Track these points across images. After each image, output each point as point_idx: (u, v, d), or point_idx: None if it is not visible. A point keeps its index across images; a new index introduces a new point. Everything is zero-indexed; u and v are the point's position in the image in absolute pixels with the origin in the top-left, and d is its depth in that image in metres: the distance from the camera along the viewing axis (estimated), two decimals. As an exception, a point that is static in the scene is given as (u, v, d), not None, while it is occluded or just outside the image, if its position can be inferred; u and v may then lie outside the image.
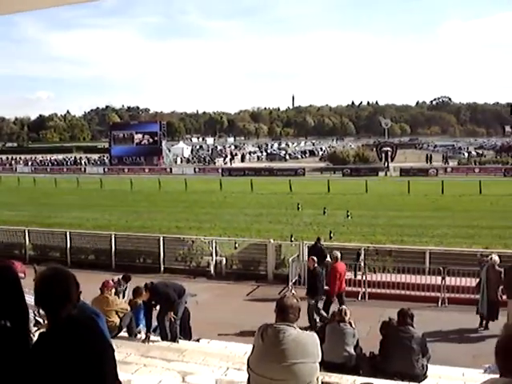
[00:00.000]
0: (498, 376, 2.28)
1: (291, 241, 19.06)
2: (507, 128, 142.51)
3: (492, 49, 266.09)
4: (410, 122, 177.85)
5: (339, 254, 13.15)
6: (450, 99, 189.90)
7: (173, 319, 9.64)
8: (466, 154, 79.46)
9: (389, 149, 66.25)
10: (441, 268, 14.36)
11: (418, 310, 11.70)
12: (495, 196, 34.74)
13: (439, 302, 14.14)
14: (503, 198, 33.90)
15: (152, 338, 9.49)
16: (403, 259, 15.99)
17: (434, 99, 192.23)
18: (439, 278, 14.33)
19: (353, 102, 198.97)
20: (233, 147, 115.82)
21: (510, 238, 21.42)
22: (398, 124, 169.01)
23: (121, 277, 12.69)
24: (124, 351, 7.92)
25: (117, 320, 9.57)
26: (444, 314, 13.35)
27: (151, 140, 78.41)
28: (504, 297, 12.11)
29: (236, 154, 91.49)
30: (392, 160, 64.90)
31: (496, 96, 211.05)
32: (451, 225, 24.94)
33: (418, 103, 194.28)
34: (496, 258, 12.42)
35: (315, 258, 12.86)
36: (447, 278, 14.28)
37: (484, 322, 12.26)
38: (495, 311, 12.05)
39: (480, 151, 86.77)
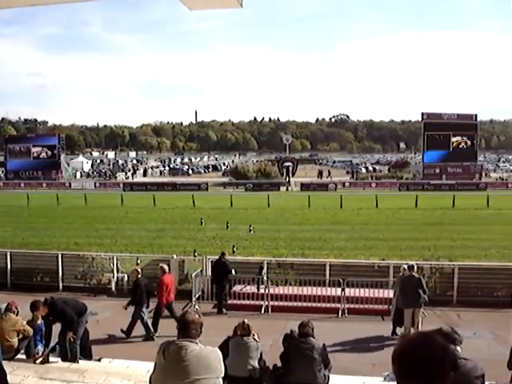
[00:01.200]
0: (395, 383, 2.32)
1: (194, 256, 18.86)
2: (401, 144, 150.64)
3: (387, 68, 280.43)
4: (310, 138, 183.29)
5: (167, 267, 13.57)
6: (348, 116, 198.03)
7: (72, 339, 9.24)
8: (364, 170, 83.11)
9: (290, 164, 67.86)
10: (340, 280, 14.75)
11: (320, 321, 11.95)
12: (391, 209, 36.39)
13: (339, 313, 14.49)
14: (398, 212, 35.61)
15: (51, 358, 9.02)
16: (305, 272, 16.31)
17: (333, 116, 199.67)
18: (339, 290, 14.71)
19: (255, 118, 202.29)
20: (135, 161, 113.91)
21: (405, 249, 22.45)
22: (298, 140, 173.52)
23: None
24: (21, 373, 7.47)
25: (16, 341, 9.01)
26: (344, 325, 13.65)
27: (49, 153, 74.97)
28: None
29: (138, 169, 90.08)
30: (293, 175, 66.50)
31: (391, 114, 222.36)
32: (350, 237, 25.80)
33: (317, 120, 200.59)
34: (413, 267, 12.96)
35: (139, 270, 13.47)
36: (347, 289, 14.68)
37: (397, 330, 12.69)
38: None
39: (376, 167, 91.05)
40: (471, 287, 15.52)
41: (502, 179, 66.95)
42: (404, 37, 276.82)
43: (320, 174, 73.12)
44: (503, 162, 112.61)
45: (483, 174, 69.93)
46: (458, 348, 4.39)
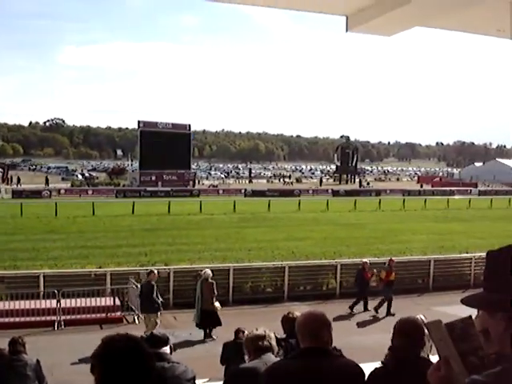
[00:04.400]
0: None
1: None
2: (118, 151, 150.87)
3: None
4: (23, 142, 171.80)
5: None
6: (63, 121, 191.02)
7: None
8: (80, 176, 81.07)
9: (0, 170, 62.75)
10: (56, 291, 14.27)
11: (35, 335, 11.43)
12: (108, 216, 36.22)
13: (56, 325, 14.00)
14: (115, 218, 35.63)
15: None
16: (17, 285, 15.36)
17: (48, 120, 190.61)
18: (55, 301, 14.21)
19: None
20: None
21: (122, 256, 22.59)
22: (10, 144, 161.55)
23: None
24: None
25: None
26: (61, 337, 13.28)
27: None
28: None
29: None
30: (3, 181, 61.57)
31: (108, 121, 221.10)
32: (66, 246, 24.96)
33: (30, 124, 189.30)
34: (209, 272, 13.92)
35: None
36: (62, 300, 14.25)
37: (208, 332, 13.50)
38: (214, 320, 13.34)
39: (93, 173, 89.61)
40: (187, 290, 16.24)
41: (214, 186, 72.10)
42: (121, 45, 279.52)
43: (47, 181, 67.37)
44: (214, 170, 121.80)
45: (196, 182, 74.35)
46: (167, 349, 4.65)
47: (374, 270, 16.82)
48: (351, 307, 16.20)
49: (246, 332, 5.57)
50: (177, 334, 13.02)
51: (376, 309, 16.02)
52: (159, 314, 13.51)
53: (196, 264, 19.43)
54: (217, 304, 13.63)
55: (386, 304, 15.93)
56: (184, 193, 57.57)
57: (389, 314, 15.62)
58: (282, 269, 18.01)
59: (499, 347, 1.64)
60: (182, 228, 31.73)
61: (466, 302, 1.71)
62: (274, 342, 4.24)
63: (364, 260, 17.25)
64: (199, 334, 13.70)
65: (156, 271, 14.12)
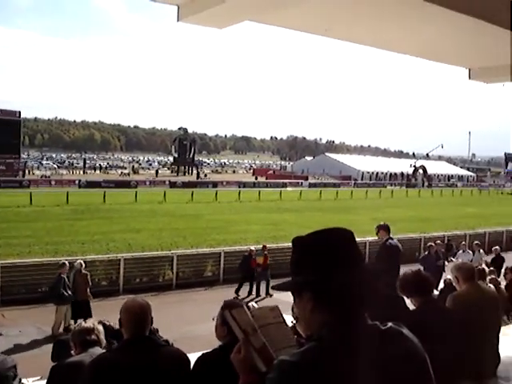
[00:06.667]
0: None
1: None
2: None
3: None
4: None
5: None
6: None
7: None
8: None
9: None
10: None
11: None
12: None
13: None
14: None
15: None
16: None
17: None
18: None
19: None
20: None
21: None
22: None
23: None
24: None
25: None
26: None
27: None
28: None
29: None
30: None
31: None
32: None
33: None
34: (81, 262, 14.08)
35: None
36: None
37: None
38: (86, 311, 12.80)
39: None
40: (15, 285, 15.55)
41: (46, 177, 68.13)
42: None
43: None
44: (46, 159, 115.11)
45: (27, 172, 69.89)
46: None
47: (257, 257, 17.72)
48: (236, 291, 17.04)
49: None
50: (5, 332, 12.47)
51: (237, 291, 17.07)
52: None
53: (26, 258, 18.38)
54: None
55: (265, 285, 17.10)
56: (13, 183, 53.72)
57: (268, 294, 16.84)
58: (117, 261, 17.57)
59: (307, 328, 1.73)
60: (11, 221, 29.54)
61: (277, 287, 1.80)
62: (102, 336, 4.10)
63: (251, 247, 18.30)
64: (30, 331, 13.09)
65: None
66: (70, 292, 13.30)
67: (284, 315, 1.82)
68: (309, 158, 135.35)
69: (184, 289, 17.72)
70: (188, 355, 3.40)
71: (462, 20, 3.91)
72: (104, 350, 3.87)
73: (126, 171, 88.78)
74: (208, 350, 3.43)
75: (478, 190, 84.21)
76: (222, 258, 19.26)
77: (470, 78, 6.13)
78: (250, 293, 17.25)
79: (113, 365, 3.08)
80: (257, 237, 26.09)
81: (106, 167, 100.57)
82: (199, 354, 3.43)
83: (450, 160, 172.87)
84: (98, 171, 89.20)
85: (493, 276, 10.50)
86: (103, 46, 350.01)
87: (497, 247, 19.54)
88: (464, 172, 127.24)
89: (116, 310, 5.73)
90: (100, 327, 4.18)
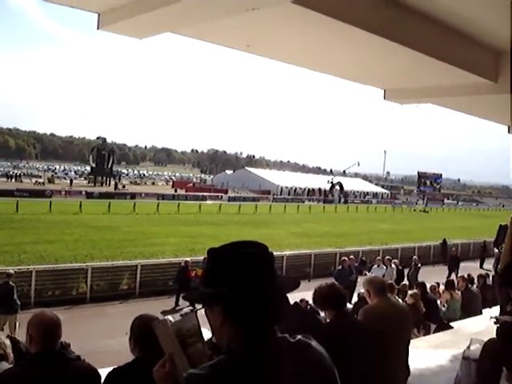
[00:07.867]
0: None
1: None
2: None
3: None
4: None
5: None
6: None
7: None
8: None
9: None
10: None
11: None
12: None
13: None
14: None
15: None
16: None
17: None
18: None
19: None
20: None
21: None
22: None
23: None
24: None
25: None
26: None
27: None
28: None
29: None
30: None
31: None
32: None
33: None
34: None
35: None
36: None
37: None
38: None
39: None
40: None
41: None
42: None
43: None
44: None
45: None
46: None
47: (196, 268, 17.79)
48: (176, 303, 17.06)
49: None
50: None
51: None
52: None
53: None
54: None
55: None
56: None
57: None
58: (28, 273, 17.00)
59: (218, 340, 1.76)
60: None
61: (185, 297, 1.87)
62: (9, 350, 4.01)
63: (186, 259, 18.86)
64: None
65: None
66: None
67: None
68: (229, 172, 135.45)
69: (98, 302, 17.36)
70: (99, 370, 3.35)
71: (375, 41, 4.03)
72: (11, 365, 3.70)
73: (40, 180, 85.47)
74: (120, 365, 3.38)
75: (391, 207, 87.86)
76: (138, 271, 19.05)
77: (384, 98, 6.40)
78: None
79: (19, 380, 2.99)
80: (174, 249, 26.00)
81: (19, 175, 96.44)
82: (111, 369, 3.38)
83: (365, 177, 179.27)
84: (11, 180, 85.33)
85: (415, 291, 10.51)
86: (18, 50, 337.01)
87: (415, 257, 21.71)
88: (379, 189, 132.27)
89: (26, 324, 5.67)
90: (7, 342, 4.08)
